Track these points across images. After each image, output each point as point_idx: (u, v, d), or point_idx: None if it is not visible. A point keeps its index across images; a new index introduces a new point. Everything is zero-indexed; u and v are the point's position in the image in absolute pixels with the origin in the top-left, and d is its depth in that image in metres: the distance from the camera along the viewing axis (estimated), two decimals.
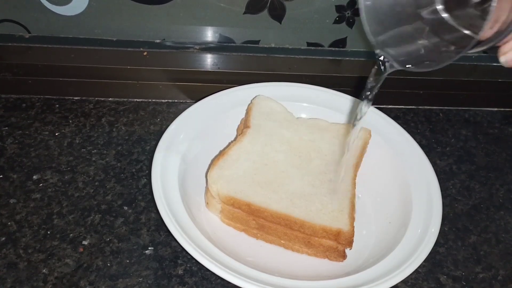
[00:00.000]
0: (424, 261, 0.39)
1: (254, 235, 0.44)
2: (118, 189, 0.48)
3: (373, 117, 0.52)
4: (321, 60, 0.63)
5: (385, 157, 0.50)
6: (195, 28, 0.60)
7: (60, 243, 0.43)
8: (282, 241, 0.43)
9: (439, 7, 0.32)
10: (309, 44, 0.63)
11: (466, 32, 0.31)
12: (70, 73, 0.57)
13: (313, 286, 0.38)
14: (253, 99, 0.52)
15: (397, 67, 0.34)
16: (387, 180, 0.49)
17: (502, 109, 0.64)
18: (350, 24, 0.61)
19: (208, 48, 0.61)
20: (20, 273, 0.41)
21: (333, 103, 0.54)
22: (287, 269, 0.42)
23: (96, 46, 0.59)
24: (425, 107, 0.63)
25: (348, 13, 0.60)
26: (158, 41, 0.61)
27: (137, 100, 0.59)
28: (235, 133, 0.52)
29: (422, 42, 0.33)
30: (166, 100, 0.59)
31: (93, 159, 0.51)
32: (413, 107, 0.63)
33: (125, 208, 0.47)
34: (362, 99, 0.39)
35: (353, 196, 0.45)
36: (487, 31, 0.27)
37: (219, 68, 0.59)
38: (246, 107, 0.52)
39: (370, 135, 0.50)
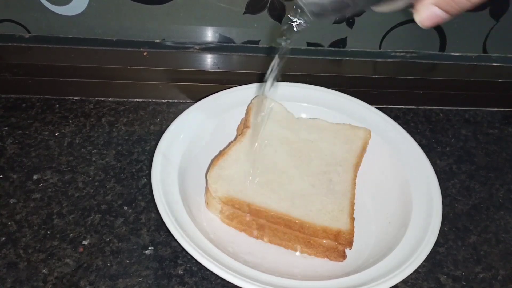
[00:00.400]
0: (424, 261, 0.39)
1: (254, 235, 0.44)
2: (118, 189, 0.48)
3: (373, 117, 0.52)
4: (321, 60, 0.63)
5: (385, 157, 0.50)
6: (195, 28, 0.60)
7: (60, 243, 0.43)
8: (282, 241, 0.43)
9: None
10: (309, 44, 0.63)
11: None
12: (70, 73, 0.57)
13: (313, 286, 0.38)
14: (253, 99, 0.52)
15: (308, 20, 0.33)
16: (387, 180, 0.49)
17: (502, 109, 0.64)
18: (350, 24, 0.61)
19: (208, 48, 0.61)
20: (20, 273, 0.41)
21: (333, 103, 0.54)
22: (287, 269, 0.42)
23: (96, 46, 0.59)
24: (425, 107, 0.63)
25: None
26: (158, 41, 0.61)
27: (137, 100, 0.59)
28: (235, 133, 0.52)
29: None
30: (166, 100, 0.59)
31: (93, 159, 0.51)
32: (413, 107, 0.63)
33: (125, 208, 0.47)
34: (269, 72, 0.39)
35: (353, 196, 0.45)
36: None
37: (219, 68, 0.59)
38: (246, 107, 0.52)
39: (370, 135, 0.50)
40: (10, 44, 0.58)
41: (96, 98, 0.58)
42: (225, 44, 0.62)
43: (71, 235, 0.44)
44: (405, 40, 0.63)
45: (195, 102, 0.51)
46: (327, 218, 0.42)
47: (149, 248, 0.44)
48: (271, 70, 0.40)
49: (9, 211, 0.45)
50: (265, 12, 0.59)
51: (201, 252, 0.38)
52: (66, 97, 0.58)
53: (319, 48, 0.63)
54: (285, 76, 0.58)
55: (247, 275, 0.37)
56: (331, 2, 0.32)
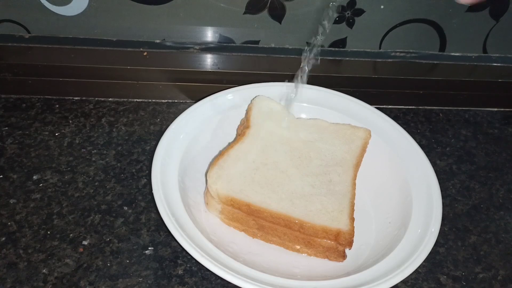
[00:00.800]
0: (424, 261, 0.39)
1: (254, 235, 0.44)
2: (118, 189, 0.48)
3: (373, 117, 0.52)
4: (321, 60, 0.62)
5: (385, 157, 0.50)
6: (195, 28, 0.60)
7: (60, 243, 0.43)
8: (282, 241, 0.43)
9: None
10: (309, 44, 0.63)
11: None
12: (70, 73, 0.57)
13: (313, 286, 0.38)
14: (253, 99, 0.52)
15: None
16: (387, 180, 0.49)
17: (502, 109, 0.64)
18: (350, 24, 0.61)
19: (208, 48, 0.61)
20: (20, 273, 0.41)
21: (333, 103, 0.54)
22: (287, 269, 0.42)
23: (96, 46, 0.59)
24: (425, 107, 0.63)
25: (348, 13, 0.60)
26: (158, 41, 0.61)
27: (137, 100, 0.59)
28: (235, 133, 0.52)
29: None
30: (166, 100, 0.59)
31: (93, 159, 0.51)
32: (413, 107, 0.63)
33: (125, 208, 0.47)
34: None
35: (353, 196, 0.45)
36: None
37: (219, 68, 0.59)
38: (246, 107, 0.52)
39: (370, 135, 0.50)
40: (10, 44, 0.58)
41: (96, 98, 0.58)
42: (225, 44, 0.62)
43: (71, 235, 0.44)
44: (405, 40, 0.63)
45: (195, 102, 0.51)
46: (327, 218, 0.42)
47: (149, 248, 0.44)
48: (303, 70, 0.40)
49: (9, 211, 0.45)
50: (265, 12, 0.59)
51: (201, 252, 0.38)
52: (66, 97, 0.58)
53: (319, 48, 0.63)
54: (285, 76, 0.58)
55: (247, 275, 0.37)
56: None
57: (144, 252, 0.43)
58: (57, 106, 0.57)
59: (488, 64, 0.65)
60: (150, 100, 0.59)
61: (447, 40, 0.64)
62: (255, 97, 0.52)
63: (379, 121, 0.52)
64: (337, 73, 0.61)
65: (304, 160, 0.47)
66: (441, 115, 0.62)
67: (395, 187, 0.47)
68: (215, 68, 0.59)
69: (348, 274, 0.40)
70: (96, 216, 0.46)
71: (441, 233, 0.48)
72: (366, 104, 0.54)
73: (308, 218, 0.42)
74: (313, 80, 0.58)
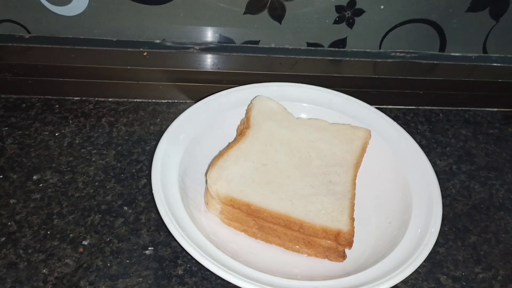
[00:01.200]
0: (424, 261, 0.39)
1: (254, 235, 0.44)
2: (118, 189, 0.48)
3: (373, 117, 0.52)
4: (321, 60, 0.63)
5: (385, 157, 0.50)
6: (195, 28, 0.60)
7: (60, 243, 0.43)
8: (282, 241, 0.43)
9: None
10: (309, 44, 0.63)
11: None
12: (70, 73, 0.57)
13: (313, 286, 0.38)
14: (253, 99, 0.52)
15: None
16: (387, 180, 0.49)
17: (502, 109, 0.64)
18: (350, 24, 0.61)
19: (208, 48, 0.61)
20: (20, 273, 0.41)
21: (333, 103, 0.54)
22: (287, 269, 0.42)
23: (96, 46, 0.59)
24: (425, 107, 0.63)
25: (348, 13, 0.60)
26: (158, 41, 0.61)
27: (137, 100, 0.59)
28: (235, 133, 0.52)
29: None
30: (166, 100, 0.59)
31: (93, 159, 0.51)
32: (413, 107, 0.63)
33: (125, 208, 0.47)
34: None
35: (353, 196, 0.45)
36: None
37: (219, 68, 0.59)
38: (246, 107, 0.52)
39: (370, 135, 0.50)
40: (10, 44, 0.58)
41: (96, 98, 0.58)
42: (225, 44, 0.62)
43: (71, 235, 0.44)
44: (405, 40, 0.63)
45: (195, 102, 0.51)
46: (327, 218, 0.42)
47: (149, 248, 0.44)
48: None
49: (9, 211, 0.45)
50: (265, 12, 0.59)
51: (201, 252, 0.38)
52: (66, 97, 0.58)
53: (319, 48, 0.63)
54: (285, 76, 0.59)
55: (247, 275, 0.37)
56: None
57: (144, 252, 0.43)
58: (57, 106, 0.57)
59: (488, 64, 0.65)
60: (150, 100, 0.59)
61: (447, 40, 0.64)
62: (255, 97, 0.52)
63: (379, 121, 0.52)
64: (337, 73, 0.61)
65: (304, 160, 0.47)
66: (441, 115, 0.62)
67: (395, 187, 0.47)
68: (215, 68, 0.59)
69: (348, 274, 0.40)
70: (96, 216, 0.46)
71: (441, 233, 0.48)
72: (366, 104, 0.54)
73: (308, 218, 0.42)
74: (313, 80, 0.58)
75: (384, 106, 0.61)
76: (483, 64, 0.65)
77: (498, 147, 0.59)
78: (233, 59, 0.60)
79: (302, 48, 0.63)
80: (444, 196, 0.45)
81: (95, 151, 0.52)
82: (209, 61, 0.60)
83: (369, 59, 0.63)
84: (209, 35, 0.61)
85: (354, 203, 0.44)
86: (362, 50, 0.64)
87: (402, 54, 0.64)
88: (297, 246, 0.43)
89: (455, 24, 0.62)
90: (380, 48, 0.64)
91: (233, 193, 0.43)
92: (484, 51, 0.66)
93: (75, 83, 0.57)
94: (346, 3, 0.59)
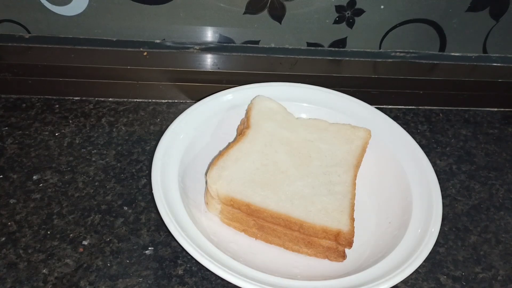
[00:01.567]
0: (424, 261, 0.39)
1: (254, 235, 0.44)
2: (118, 189, 0.48)
3: (373, 117, 0.52)
4: (321, 60, 0.63)
5: (385, 157, 0.50)
6: (195, 28, 0.60)
7: (60, 243, 0.43)
8: (282, 241, 0.43)
9: None
10: (309, 44, 0.63)
11: None
12: (70, 73, 0.57)
13: (313, 286, 0.38)
14: (253, 99, 0.52)
15: None
16: (387, 180, 0.49)
17: (502, 109, 0.64)
18: (350, 24, 0.61)
19: (208, 48, 0.61)
20: (20, 273, 0.41)
21: (333, 103, 0.54)
22: (287, 269, 0.42)
23: (96, 46, 0.59)
24: (425, 107, 0.63)
25: (348, 13, 0.60)
26: (158, 41, 0.61)
27: (137, 100, 0.59)
28: (235, 133, 0.52)
29: None
30: (166, 100, 0.59)
31: (93, 159, 0.51)
32: (413, 107, 0.63)
33: (125, 208, 0.47)
34: None
35: (353, 196, 0.45)
36: None
37: (219, 68, 0.59)
38: (246, 107, 0.52)
39: (370, 135, 0.50)
40: (10, 44, 0.58)
41: (96, 98, 0.58)
42: (225, 44, 0.62)
43: (71, 235, 0.44)
44: (405, 40, 0.63)
45: (195, 102, 0.51)
46: (327, 218, 0.42)
47: (149, 248, 0.44)
48: None
49: (9, 211, 0.45)
50: (265, 12, 0.59)
51: (201, 252, 0.38)
52: (66, 97, 0.58)
53: (319, 48, 0.63)
54: (285, 76, 0.59)
55: (247, 275, 0.37)
56: None
57: (144, 252, 0.43)
58: (57, 106, 0.57)
59: (488, 64, 0.65)
60: (150, 100, 0.59)
61: (447, 40, 0.64)
62: (255, 97, 0.52)
63: (379, 121, 0.52)
64: (337, 73, 0.61)
65: (304, 160, 0.47)
66: (441, 115, 0.62)
67: (395, 187, 0.47)
68: (215, 68, 0.59)
69: (348, 274, 0.40)
70: (96, 216, 0.46)
71: (441, 233, 0.48)
72: (366, 104, 0.54)
73: (308, 218, 0.42)
74: (313, 80, 0.58)
75: (384, 106, 0.61)
76: (483, 64, 0.65)
77: (498, 147, 0.59)
78: (233, 59, 0.60)
79: (302, 48, 0.63)
80: (444, 196, 0.45)
81: (95, 151, 0.52)
82: (209, 61, 0.60)
83: (369, 59, 0.63)
84: (209, 35, 0.61)
85: (354, 203, 0.44)
86: (362, 50, 0.64)
87: (402, 54, 0.64)
88: (297, 246, 0.43)
89: (455, 24, 0.62)
90: (380, 48, 0.64)
91: (233, 193, 0.43)
92: (484, 51, 0.66)
93: (75, 83, 0.57)
94: (346, 3, 0.59)
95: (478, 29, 0.63)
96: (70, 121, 0.55)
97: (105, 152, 0.52)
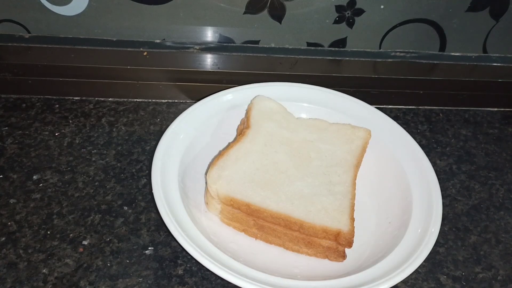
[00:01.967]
0: (424, 261, 0.39)
1: (254, 235, 0.44)
2: (118, 189, 0.48)
3: (373, 117, 0.52)
4: (321, 60, 0.63)
5: (385, 157, 0.50)
6: (195, 28, 0.60)
7: (60, 243, 0.43)
8: (282, 241, 0.43)
9: None
10: (309, 44, 0.63)
11: None
12: (70, 73, 0.57)
13: (313, 286, 0.38)
14: (253, 99, 0.52)
15: None
16: (387, 180, 0.49)
17: (502, 109, 0.64)
18: (350, 24, 0.61)
19: (208, 48, 0.61)
20: (20, 273, 0.41)
21: (333, 103, 0.54)
22: (287, 269, 0.42)
23: (96, 46, 0.59)
24: (425, 107, 0.63)
25: (348, 13, 0.60)
26: (158, 41, 0.61)
27: (137, 100, 0.59)
28: (235, 133, 0.52)
29: None
30: (166, 100, 0.59)
31: (93, 159, 0.51)
32: (413, 107, 0.63)
33: (125, 208, 0.47)
34: None
35: (353, 196, 0.45)
36: None
37: (219, 68, 0.59)
38: (246, 107, 0.52)
39: (370, 135, 0.50)
40: (10, 44, 0.58)
41: (96, 98, 0.58)
42: (225, 44, 0.62)
43: (71, 235, 0.44)
44: (405, 40, 0.63)
45: (195, 102, 0.51)
46: (327, 218, 0.42)
47: (149, 248, 0.44)
48: None
49: (9, 211, 0.45)
50: (265, 12, 0.59)
51: (201, 252, 0.38)
52: (66, 97, 0.58)
53: (319, 48, 0.63)
54: (285, 76, 0.59)
55: (247, 275, 0.37)
56: None
57: (144, 252, 0.43)
58: (57, 106, 0.57)
59: (488, 64, 0.65)
60: (150, 100, 0.59)
61: (447, 40, 0.64)
62: (255, 97, 0.52)
63: (379, 121, 0.52)
64: (337, 73, 0.61)
65: (304, 160, 0.47)
66: (441, 115, 0.62)
67: (395, 187, 0.47)
68: (215, 68, 0.59)
69: (348, 274, 0.40)
70: (96, 216, 0.46)
71: (441, 233, 0.48)
72: (366, 104, 0.54)
73: (308, 218, 0.42)
74: (313, 80, 0.58)
75: (384, 106, 0.61)
76: (483, 64, 0.65)
77: (498, 147, 0.59)
78: (233, 59, 0.60)
79: (302, 48, 0.63)
80: (444, 196, 0.45)
81: (95, 151, 0.52)
82: (209, 61, 0.60)
83: (369, 59, 0.63)
84: (209, 35, 0.61)
85: (354, 203, 0.44)
86: (362, 50, 0.64)
87: (402, 54, 0.64)
88: (297, 246, 0.43)
89: (455, 24, 0.62)
90: (380, 48, 0.64)
91: (233, 193, 0.43)
92: (484, 51, 0.66)
93: (75, 83, 0.57)
94: (346, 3, 0.59)
95: (478, 29, 0.63)
96: (70, 121, 0.55)
97: (105, 152, 0.52)
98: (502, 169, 0.56)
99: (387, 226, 0.45)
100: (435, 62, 0.64)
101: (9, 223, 0.44)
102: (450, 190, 0.53)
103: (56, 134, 0.53)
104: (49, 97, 0.57)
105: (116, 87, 0.58)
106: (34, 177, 0.48)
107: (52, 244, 0.43)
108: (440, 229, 0.42)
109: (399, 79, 0.61)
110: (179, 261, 0.43)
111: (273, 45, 0.63)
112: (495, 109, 0.64)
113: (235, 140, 0.49)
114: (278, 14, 0.59)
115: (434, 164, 0.48)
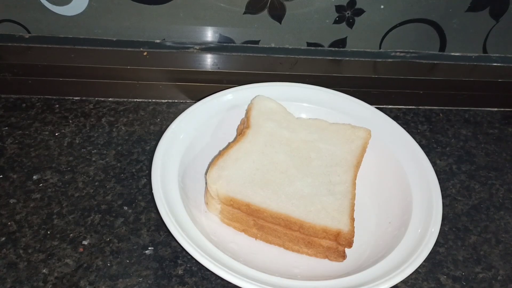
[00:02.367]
0: (424, 261, 0.39)
1: (254, 235, 0.44)
2: (118, 189, 0.48)
3: (373, 117, 0.52)
4: (321, 60, 0.63)
5: (385, 157, 0.50)
6: (195, 28, 0.60)
7: (60, 243, 0.43)
8: (282, 241, 0.43)
9: None
10: (309, 44, 0.63)
11: None
12: (70, 73, 0.57)
13: (313, 286, 0.38)
14: (253, 99, 0.52)
15: None
16: (387, 180, 0.49)
17: (502, 109, 0.64)
18: (350, 24, 0.61)
19: (208, 48, 0.61)
20: (20, 273, 0.41)
21: (333, 103, 0.54)
22: (287, 269, 0.42)
23: (96, 46, 0.59)
24: (425, 107, 0.63)
25: (348, 13, 0.60)
26: (158, 41, 0.61)
27: (137, 100, 0.59)
28: (235, 133, 0.52)
29: None
30: (166, 100, 0.59)
31: (93, 159, 0.51)
32: (413, 107, 0.63)
33: (125, 208, 0.47)
34: None
35: (353, 196, 0.45)
36: None
37: (219, 68, 0.59)
38: (246, 107, 0.52)
39: (370, 135, 0.50)
40: (10, 44, 0.58)
41: (96, 98, 0.58)
42: (225, 44, 0.62)
43: (71, 235, 0.44)
44: (405, 40, 0.63)
45: (195, 102, 0.51)
46: (327, 218, 0.42)
47: (149, 248, 0.44)
48: None
49: (9, 211, 0.45)
50: (265, 12, 0.59)
51: (201, 252, 0.38)
52: (66, 97, 0.58)
53: (319, 48, 0.63)
54: (285, 76, 0.59)
55: (247, 275, 0.37)
56: None
57: (144, 252, 0.43)
58: (57, 106, 0.57)
59: (488, 64, 0.65)
60: (150, 100, 0.59)
61: (447, 40, 0.64)
62: (255, 97, 0.52)
63: (379, 121, 0.52)
64: (337, 73, 0.61)
65: (304, 160, 0.47)
66: (441, 115, 0.62)
67: (395, 187, 0.47)
68: (215, 68, 0.59)
69: (348, 274, 0.40)
70: (96, 216, 0.46)
71: (441, 233, 0.48)
72: (366, 104, 0.54)
73: (308, 218, 0.42)
74: (313, 80, 0.58)
75: (384, 106, 0.61)
76: (483, 64, 0.65)
77: (498, 147, 0.59)
78: (233, 59, 0.60)
79: (302, 48, 0.63)
80: (444, 196, 0.45)
81: (95, 151, 0.52)
82: (209, 61, 0.60)
83: (369, 59, 0.63)
84: (209, 35, 0.61)
85: (354, 203, 0.44)
86: (362, 50, 0.64)
87: (402, 54, 0.64)
88: (297, 246, 0.43)
89: (455, 24, 0.62)
90: (380, 48, 0.64)
91: (233, 193, 0.43)
92: (484, 51, 0.66)
93: (75, 83, 0.57)
94: (346, 3, 0.59)
95: (478, 29, 0.63)
96: (70, 121, 0.55)
97: (105, 152, 0.52)
98: (502, 169, 0.56)
99: (387, 226, 0.45)
100: (435, 62, 0.64)
101: (9, 223, 0.44)
102: (450, 190, 0.53)
103: (56, 134, 0.53)
104: (49, 97, 0.57)
105: (116, 87, 0.58)
106: (34, 177, 0.48)
107: (52, 244, 0.43)
108: (440, 229, 0.42)
109: (399, 79, 0.61)
110: (179, 261, 0.43)
111: (273, 45, 0.63)
112: (495, 109, 0.64)
113: (235, 140, 0.49)
114: (278, 14, 0.59)
115: (434, 164, 0.48)
